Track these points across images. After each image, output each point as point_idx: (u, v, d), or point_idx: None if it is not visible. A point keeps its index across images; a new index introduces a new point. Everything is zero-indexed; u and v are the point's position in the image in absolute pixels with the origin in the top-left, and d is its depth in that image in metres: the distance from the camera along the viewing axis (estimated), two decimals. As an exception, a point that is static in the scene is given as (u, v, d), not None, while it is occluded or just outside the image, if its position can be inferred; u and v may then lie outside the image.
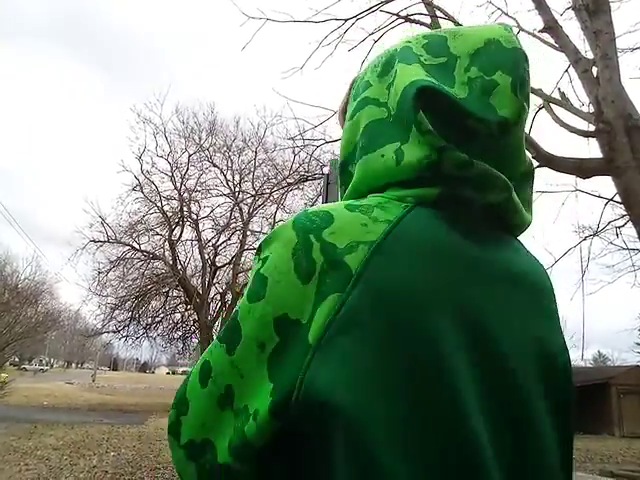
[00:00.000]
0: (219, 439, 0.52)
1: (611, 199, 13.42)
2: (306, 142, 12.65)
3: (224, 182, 23.80)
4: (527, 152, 0.66)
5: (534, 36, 9.10)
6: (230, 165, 23.91)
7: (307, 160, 13.71)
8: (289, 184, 17.98)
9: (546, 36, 8.38)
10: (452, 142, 0.53)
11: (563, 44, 7.73)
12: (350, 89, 0.70)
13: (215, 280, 23.70)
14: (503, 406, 0.50)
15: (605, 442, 14.14)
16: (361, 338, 0.46)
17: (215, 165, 23.64)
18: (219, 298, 23.79)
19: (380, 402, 0.45)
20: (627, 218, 16.02)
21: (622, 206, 14.56)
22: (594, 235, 14.47)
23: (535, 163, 8.50)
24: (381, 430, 0.45)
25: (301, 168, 20.83)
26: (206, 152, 23.28)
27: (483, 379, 0.49)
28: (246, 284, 0.55)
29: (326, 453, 0.46)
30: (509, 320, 0.54)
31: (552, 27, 7.38)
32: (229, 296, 23.50)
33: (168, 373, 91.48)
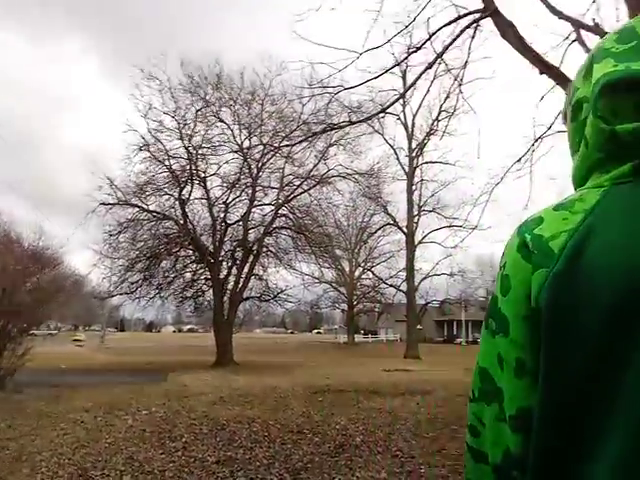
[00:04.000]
0: None
1: None
2: (320, 90, 11.95)
3: (231, 137, 23.31)
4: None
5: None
6: (237, 119, 23.32)
7: (324, 108, 13.09)
8: (307, 138, 17.39)
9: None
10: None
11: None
12: (568, 97, 0.80)
13: (226, 238, 23.56)
14: None
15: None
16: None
17: (222, 120, 23.04)
18: (230, 256, 23.69)
19: None
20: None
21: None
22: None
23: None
24: None
25: (311, 118, 20.19)
26: (212, 107, 22.66)
27: None
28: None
29: None
30: None
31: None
32: (239, 253, 23.46)
33: (174, 331, 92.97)
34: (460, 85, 12.20)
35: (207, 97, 22.31)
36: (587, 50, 7.07)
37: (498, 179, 12.40)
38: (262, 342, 48.31)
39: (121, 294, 22.71)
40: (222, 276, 22.97)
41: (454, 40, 9.98)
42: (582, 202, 0.64)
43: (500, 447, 0.67)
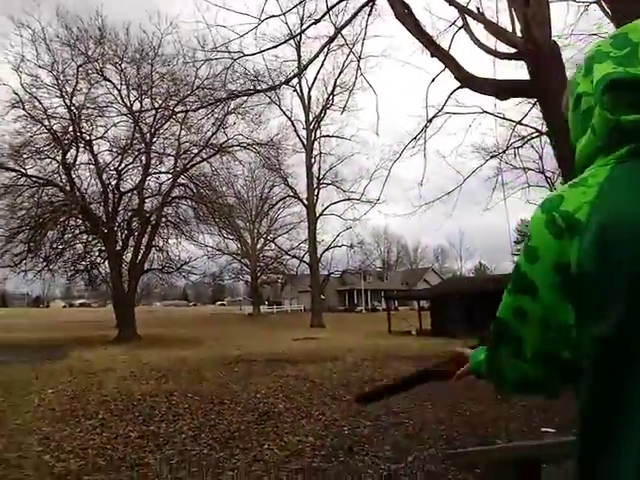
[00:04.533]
0: None
1: (519, 122, 14.30)
2: (216, 54, 11.55)
3: (119, 98, 21.79)
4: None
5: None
6: (125, 79, 21.77)
7: (224, 74, 12.68)
8: (208, 104, 16.80)
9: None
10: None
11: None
12: (568, 90, 0.94)
13: (120, 207, 22.23)
14: None
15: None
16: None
17: (107, 78, 21.39)
18: (126, 226, 22.46)
19: None
20: (524, 140, 17.23)
21: (526, 129, 15.42)
22: (502, 154, 15.49)
23: (456, 84, 8.72)
24: None
25: (207, 83, 19.57)
26: (95, 64, 20.89)
27: None
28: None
29: None
30: None
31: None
32: (136, 223, 22.37)
33: (65, 306, 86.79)
34: (359, 61, 12.53)
35: (89, 52, 20.50)
36: (472, 36, 7.62)
37: (396, 155, 13.06)
38: (164, 315, 46.91)
39: (3, 267, 20.74)
40: (118, 247, 21.77)
41: (354, 16, 10.14)
42: (594, 177, 0.77)
43: (517, 374, 0.90)
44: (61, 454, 4.67)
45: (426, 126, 11.58)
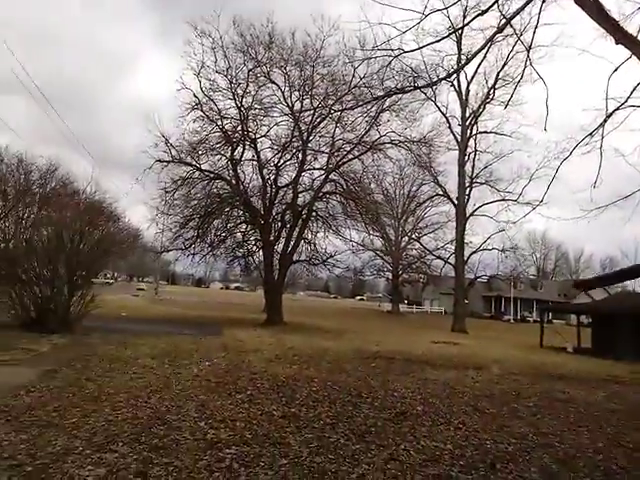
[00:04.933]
0: None
1: None
2: (374, 53, 11.54)
3: (282, 99, 23.15)
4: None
5: None
6: (289, 81, 23.00)
7: (382, 71, 12.77)
8: (366, 102, 17.13)
9: None
10: None
11: None
12: None
13: (276, 200, 23.75)
14: None
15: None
16: None
17: (272, 81, 22.82)
18: (279, 218, 23.95)
19: None
20: None
21: None
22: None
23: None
24: None
25: (365, 81, 19.86)
26: (263, 67, 22.42)
27: None
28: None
29: None
30: None
31: None
32: (288, 216, 23.71)
33: (222, 288, 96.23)
34: (528, 51, 11.44)
35: (258, 57, 22.04)
36: None
37: (564, 153, 11.75)
38: (308, 304, 49.07)
39: (177, 249, 23.47)
40: (272, 238, 23.29)
41: (527, 3, 9.30)
42: None
43: None
44: (214, 422, 5.11)
45: (605, 121, 10.36)
